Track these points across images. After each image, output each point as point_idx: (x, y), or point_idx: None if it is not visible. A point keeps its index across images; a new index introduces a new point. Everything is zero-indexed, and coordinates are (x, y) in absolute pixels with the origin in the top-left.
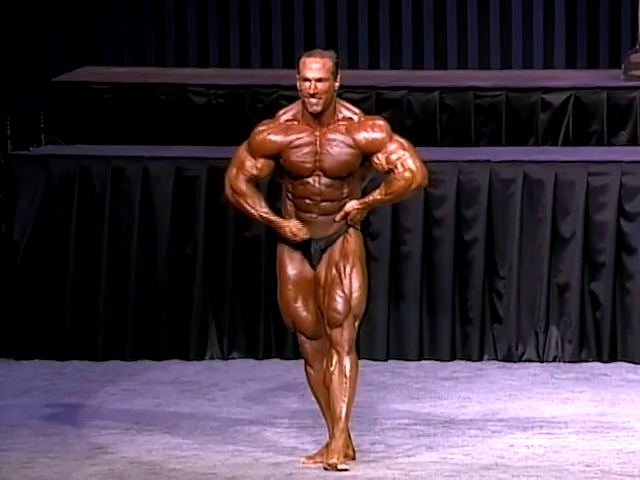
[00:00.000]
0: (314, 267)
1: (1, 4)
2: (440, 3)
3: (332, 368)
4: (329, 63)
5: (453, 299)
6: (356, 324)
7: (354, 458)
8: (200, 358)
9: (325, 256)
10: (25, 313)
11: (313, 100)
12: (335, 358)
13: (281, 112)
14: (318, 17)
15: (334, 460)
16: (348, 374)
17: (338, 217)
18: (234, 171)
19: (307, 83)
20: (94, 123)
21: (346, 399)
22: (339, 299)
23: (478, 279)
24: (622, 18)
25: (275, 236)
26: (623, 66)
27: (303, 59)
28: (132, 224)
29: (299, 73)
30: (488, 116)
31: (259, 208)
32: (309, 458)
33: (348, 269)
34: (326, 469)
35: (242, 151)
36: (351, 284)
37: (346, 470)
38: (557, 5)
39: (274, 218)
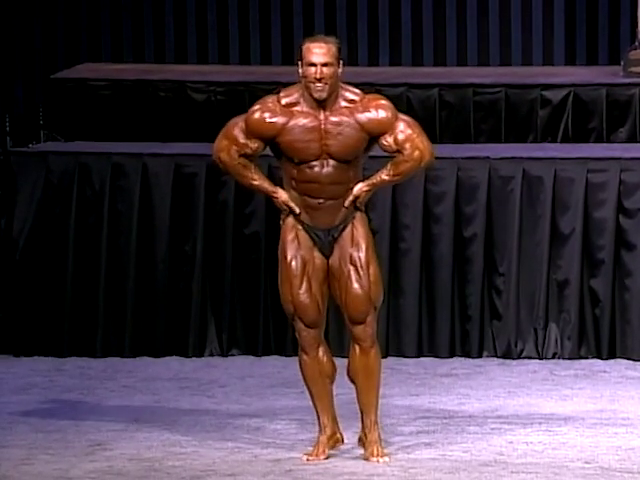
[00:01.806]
0: (327, 257)
1: (0, 0)
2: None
3: (356, 363)
4: (333, 48)
5: (452, 296)
6: (376, 314)
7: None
8: (199, 355)
9: (336, 246)
10: (24, 309)
11: (319, 85)
12: (359, 352)
13: (282, 93)
14: (317, 13)
15: (376, 452)
16: (372, 367)
17: (347, 203)
18: (225, 143)
19: (313, 68)
20: (93, 120)
21: (373, 392)
22: (359, 296)
23: (477, 276)
24: (621, 15)
25: (275, 231)
26: (622, 63)
27: (307, 44)
28: (131, 221)
29: (303, 59)
30: (487, 113)
31: (253, 175)
32: (310, 455)
33: (363, 260)
34: (368, 460)
35: (235, 126)
36: (369, 277)
37: (387, 460)
38: (556, 2)
39: (269, 186)
